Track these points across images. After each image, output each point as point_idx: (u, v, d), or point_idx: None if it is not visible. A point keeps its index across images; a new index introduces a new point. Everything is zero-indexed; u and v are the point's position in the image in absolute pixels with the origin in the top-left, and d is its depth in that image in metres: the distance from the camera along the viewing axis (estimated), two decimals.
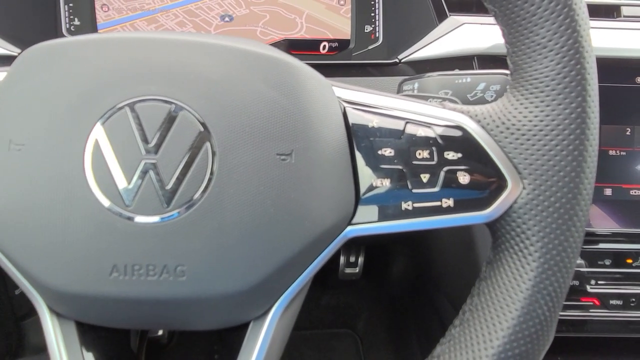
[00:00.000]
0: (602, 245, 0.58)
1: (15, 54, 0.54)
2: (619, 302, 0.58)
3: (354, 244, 0.89)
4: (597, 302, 0.58)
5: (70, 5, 0.62)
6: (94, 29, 0.63)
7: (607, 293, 0.58)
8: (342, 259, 0.90)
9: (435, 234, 0.70)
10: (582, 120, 0.28)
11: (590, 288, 0.58)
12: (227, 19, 0.64)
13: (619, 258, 0.58)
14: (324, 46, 0.65)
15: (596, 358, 0.63)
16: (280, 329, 0.30)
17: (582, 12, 0.27)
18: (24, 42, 0.55)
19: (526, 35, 0.28)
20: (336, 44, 0.65)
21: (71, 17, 0.62)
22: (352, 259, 0.90)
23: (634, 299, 0.58)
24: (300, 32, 0.65)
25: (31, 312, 0.84)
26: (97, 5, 0.62)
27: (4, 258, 0.28)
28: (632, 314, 0.58)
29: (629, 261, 0.58)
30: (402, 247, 0.98)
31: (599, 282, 0.58)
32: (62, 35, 0.62)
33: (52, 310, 0.29)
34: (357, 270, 0.91)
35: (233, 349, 0.32)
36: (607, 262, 0.58)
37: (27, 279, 0.28)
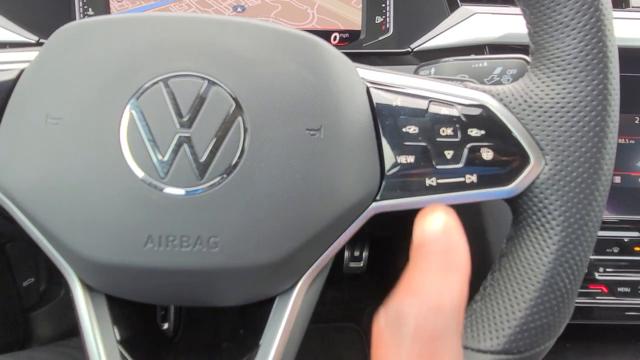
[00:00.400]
0: (610, 233, 0.58)
1: (33, 41, 0.54)
2: (627, 290, 0.59)
3: (359, 238, 0.89)
4: (605, 290, 0.59)
5: None
6: None
7: (615, 280, 0.58)
8: (346, 253, 0.90)
9: None
10: (604, 97, 0.28)
11: (599, 275, 0.59)
12: (239, 9, 0.65)
13: (626, 246, 0.58)
14: (335, 37, 0.66)
15: (603, 345, 0.64)
16: (305, 304, 0.31)
17: None
18: (41, 30, 0.55)
19: (549, 15, 0.29)
20: (347, 34, 0.66)
21: (85, 6, 0.62)
22: (357, 253, 0.91)
23: None
24: (312, 23, 0.66)
25: (39, 303, 0.85)
26: None
27: (38, 232, 0.28)
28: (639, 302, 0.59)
29: (637, 249, 0.59)
30: (407, 241, 0.98)
31: (607, 269, 0.59)
32: None
33: (84, 284, 0.30)
34: (361, 265, 0.91)
35: (256, 325, 0.33)
36: (615, 249, 0.59)
37: (61, 251, 0.28)
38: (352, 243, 0.89)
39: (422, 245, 0.27)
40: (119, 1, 0.63)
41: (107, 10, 0.63)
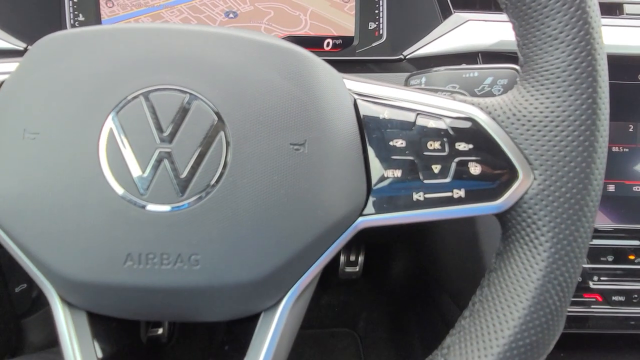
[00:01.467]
0: (604, 242, 0.58)
1: (21, 48, 0.54)
2: (622, 298, 0.58)
3: (354, 243, 0.89)
4: (599, 298, 0.58)
5: (75, 0, 0.62)
6: (98, 24, 0.63)
7: (610, 289, 0.58)
8: (342, 258, 0.90)
9: (438, 231, 0.70)
10: (593, 111, 0.28)
11: (593, 284, 0.58)
12: (231, 15, 0.64)
13: (621, 254, 0.58)
14: (328, 43, 0.66)
15: (598, 354, 0.64)
16: (291, 320, 0.30)
17: (594, 5, 0.28)
18: (29, 37, 0.55)
19: (537, 27, 0.28)
20: (340, 40, 0.66)
21: (75, 12, 0.62)
22: (352, 258, 0.91)
23: (636, 295, 0.58)
24: (304, 29, 0.65)
25: (31, 310, 0.84)
26: (102, 1, 0.62)
27: (16, 247, 0.28)
28: (634, 310, 0.58)
29: (632, 257, 0.58)
30: (402, 246, 0.98)
31: (602, 278, 0.58)
32: None
33: (64, 301, 0.29)
34: (357, 269, 0.91)
35: (242, 341, 0.32)
36: (610, 258, 0.58)
37: (40, 268, 0.28)
38: (348, 248, 0.89)
39: None
40: (109, 7, 0.62)
41: (97, 16, 0.62)
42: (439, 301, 0.82)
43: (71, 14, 0.62)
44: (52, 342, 0.86)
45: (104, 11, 0.62)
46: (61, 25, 0.62)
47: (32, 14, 0.59)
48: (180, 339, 0.91)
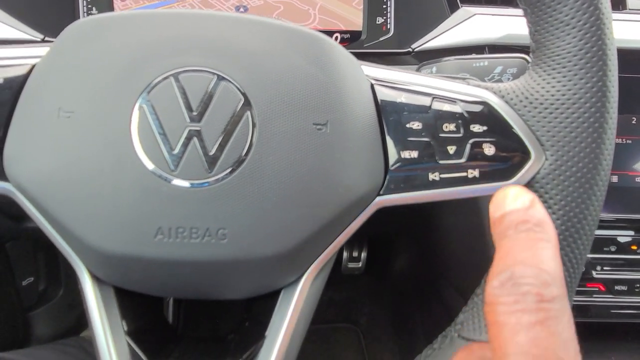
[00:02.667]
0: (607, 232, 0.59)
1: (38, 39, 0.55)
2: (624, 288, 0.60)
3: (358, 238, 0.90)
4: (602, 288, 0.60)
5: None
6: None
7: (612, 279, 0.59)
8: (345, 254, 0.90)
9: (442, 224, 0.71)
10: (603, 93, 0.29)
11: (596, 274, 0.59)
12: (242, 9, 0.65)
13: (623, 244, 0.59)
14: (336, 37, 0.67)
15: (601, 343, 0.65)
16: (310, 296, 0.31)
17: None
18: (46, 29, 0.56)
19: (549, 14, 0.30)
20: (348, 35, 0.67)
21: (89, 6, 0.63)
22: (355, 254, 0.91)
23: (638, 285, 0.59)
24: (313, 24, 0.66)
25: (38, 303, 0.85)
26: None
27: (47, 223, 0.29)
28: (636, 300, 0.59)
29: (634, 248, 0.59)
30: (405, 241, 0.99)
31: (604, 268, 0.59)
32: None
33: (93, 276, 0.30)
34: (360, 265, 0.91)
35: (262, 318, 0.33)
36: (613, 248, 0.59)
37: (70, 243, 0.29)
38: (351, 243, 0.90)
39: (511, 221, 0.25)
40: (122, 1, 0.63)
41: (110, 10, 0.63)
42: (443, 295, 0.82)
43: (84, 8, 0.63)
44: (58, 334, 0.86)
45: (117, 5, 0.63)
46: (75, 19, 0.63)
47: (47, 9, 0.60)
48: (185, 327, 0.92)
